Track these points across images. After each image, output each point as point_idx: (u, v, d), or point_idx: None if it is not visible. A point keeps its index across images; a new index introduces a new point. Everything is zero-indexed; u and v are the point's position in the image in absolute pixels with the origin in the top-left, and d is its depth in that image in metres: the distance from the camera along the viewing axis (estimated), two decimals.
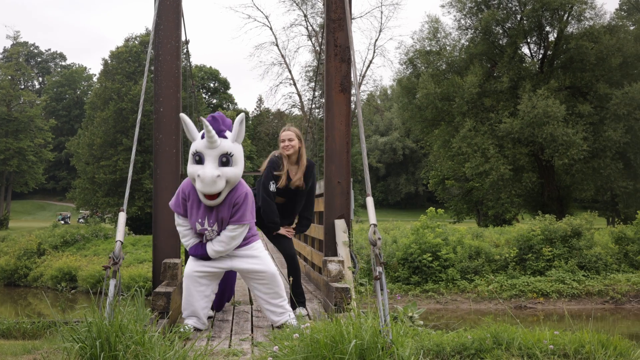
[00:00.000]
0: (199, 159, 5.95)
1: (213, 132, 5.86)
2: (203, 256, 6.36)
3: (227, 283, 7.41)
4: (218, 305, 7.58)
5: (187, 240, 6.42)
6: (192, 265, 6.45)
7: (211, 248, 6.31)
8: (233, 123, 6.18)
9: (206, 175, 5.84)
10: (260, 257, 6.52)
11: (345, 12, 8.05)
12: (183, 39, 8.72)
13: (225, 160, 5.96)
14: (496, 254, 20.74)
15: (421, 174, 66.90)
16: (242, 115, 6.08)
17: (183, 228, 6.42)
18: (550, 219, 21.51)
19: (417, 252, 19.74)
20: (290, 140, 7.28)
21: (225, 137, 6.00)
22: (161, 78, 7.91)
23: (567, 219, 21.66)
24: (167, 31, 7.95)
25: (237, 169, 6.05)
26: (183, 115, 6.01)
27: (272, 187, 7.21)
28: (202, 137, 5.95)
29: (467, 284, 19.77)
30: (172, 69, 7.93)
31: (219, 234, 6.29)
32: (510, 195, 32.82)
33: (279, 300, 6.56)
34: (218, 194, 6.03)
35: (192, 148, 6.00)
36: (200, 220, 6.24)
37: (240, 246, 6.42)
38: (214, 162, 5.91)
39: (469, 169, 32.66)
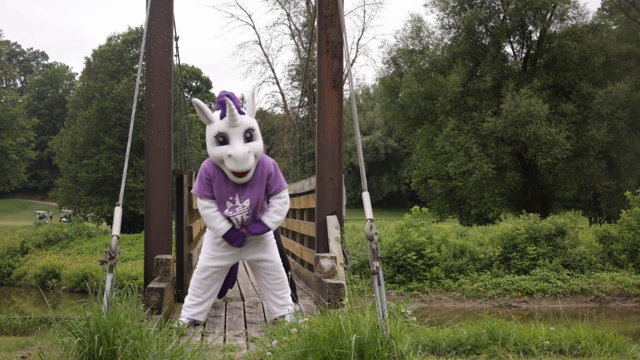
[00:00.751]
0: (223, 140, 5.97)
1: (235, 110, 5.92)
2: (255, 234, 6.34)
3: (230, 272, 7.35)
4: (221, 291, 7.57)
5: (219, 222, 6.25)
6: (207, 260, 6.45)
7: (270, 220, 6.33)
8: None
9: (238, 153, 5.87)
10: (269, 246, 6.58)
11: (337, 7, 8.05)
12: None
13: (249, 135, 6.03)
14: (480, 253, 20.81)
15: (403, 173, 66.99)
16: (252, 88, 6.22)
17: (211, 210, 6.27)
18: (534, 218, 21.60)
19: (402, 250, 19.76)
20: None
21: (243, 113, 6.07)
22: (153, 74, 7.87)
23: (551, 218, 21.76)
24: (159, 27, 7.90)
25: (260, 142, 6.14)
26: (197, 100, 5.98)
27: None
28: (221, 116, 6.00)
29: (451, 283, 19.83)
30: (164, 65, 7.89)
31: (248, 211, 6.25)
32: (494, 194, 32.90)
33: (282, 292, 6.58)
34: (248, 171, 6.06)
35: (213, 130, 6.00)
36: (231, 198, 6.20)
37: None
38: (240, 139, 5.96)
39: (452, 168, 32.74)
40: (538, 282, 19.67)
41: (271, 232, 6.60)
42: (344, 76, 8.39)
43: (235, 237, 6.29)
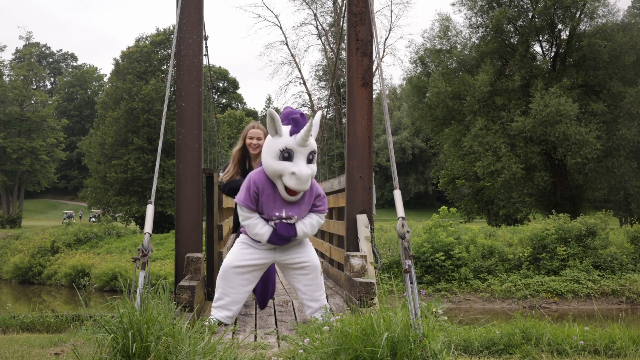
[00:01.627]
0: (288, 156, 5.94)
1: (310, 132, 5.94)
2: (289, 237, 6.30)
3: (268, 280, 7.32)
4: (262, 303, 7.55)
5: (261, 228, 6.23)
6: (236, 258, 6.40)
7: (302, 229, 6.29)
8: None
9: (302, 173, 5.86)
10: (308, 247, 6.55)
11: (367, 5, 8.03)
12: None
13: (311, 157, 6.06)
14: (509, 253, 20.64)
15: (431, 173, 66.72)
16: (320, 112, 6.22)
17: (253, 219, 6.25)
18: (564, 218, 21.38)
19: (430, 251, 19.65)
20: (258, 139, 7.33)
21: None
22: (183, 73, 7.91)
23: (581, 218, 21.53)
24: (190, 26, 7.94)
25: (315, 166, 6.18)
26: (272, 111, 5.95)
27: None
28: (291, 133, 5.97)
29: (480, 284, 19.68)
30: (194, 63, 7.93)
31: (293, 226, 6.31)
32: (522, 194, 32.65)
33: (318, 294, 6.50)
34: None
35: (280, 144, 5.95)
36: (277, 214, 6.20)
37: None
38: (304, 160, 5.97)
39: (480, 168, 32.52)
40: (568, 283, 19.47)
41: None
42: (374, 74, 8.37)
43: (278, 238, 6.27)
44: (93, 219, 52.47)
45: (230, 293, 6.37)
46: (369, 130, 8.20)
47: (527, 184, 32.14)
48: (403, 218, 5.21)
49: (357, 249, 7.89)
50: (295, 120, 5.99)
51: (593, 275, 19.71)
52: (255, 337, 5.98)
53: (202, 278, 7.23)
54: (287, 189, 5.99)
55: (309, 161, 6.02)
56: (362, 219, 8.02)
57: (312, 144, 6.03)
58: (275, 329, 6.38)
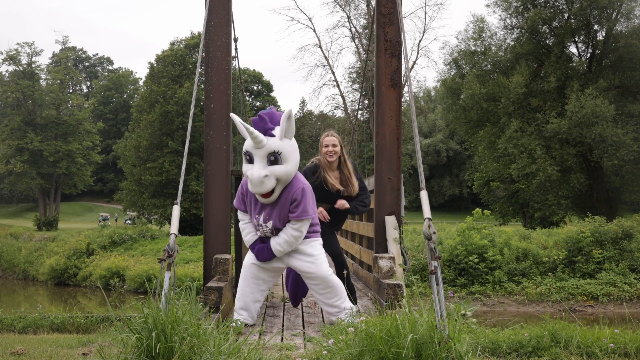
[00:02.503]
0: (250, 159, 5.93)
1: (256, 132, 5.79)
2: (267, 261, 6.33)
3: (299, 279, 7.26)
4: (294, 301, 7.59)
5: (246, 234, 6.39)
6: (250, 257, 6.46)
7: (275, 248, 6.25)
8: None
9: (253, 176, 5.83)
10: (314, 257, 6.40)
11: (395, 6, 7.98)
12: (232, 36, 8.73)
13: (273, 159, 5.88)
14: (544, 256, 20.45)
15: (465, 175, 66.25)
16: (289, 110, 5.98)
17: (242, 222, 6.44)
18: (600, 221, 21.13)
19: (463, 253, 19.55)
20: (334, 146, 7.22)
21: (272, 136, 5.90)
22: (212, 75, 7.94)
23: (617, 221, 21.27)
24: (218, 28, 7.96)
25: (287, 167, 5.96)
26: (233, 115, 5.98)
27: None
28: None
29: (514, 286, 19.52)
30: (223, 65, 7.94)
31: (272, 232, 6.25)
32: (558, 197, 32.31)
33: (334, 300, 6.45)
34: (271, 192, 5.99)
35: (244, 147, 5.99)
36: (256, 217, 6.24)
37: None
38: (262, 162, 5.86)
39: (515, 170, 32.22)
40: (604, 286, 19.25)
41: (318, 241, 6.53)
42: (402, 75, 8.32)
43: (260, 251, 6.29)
44: (128, 222, 52.93)
45: (247, 293, 6.45)
46: (397, 132, 8.14)
47: (563, 186, 31.79)
48: (429, 219, 5.18)
49: (386, 251, 7.84)
50: (254, 122, 5.91)
51: (629, 279, 19.45)
52: (282, 338, 5.97)
53: (230, 279, 7.24)
54: None
55: (272, 162, 5.89)
56: (390, 221, 7.97)
57: (273, 145, 5.86)
58: (302, 330, 6.37)
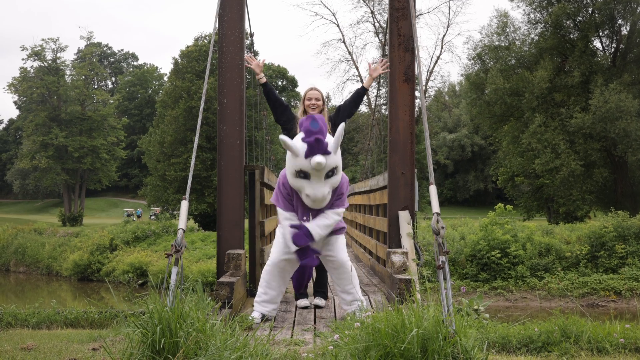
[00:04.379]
0: (304, 176, 5.88)
1: (323, 163, 5.71)
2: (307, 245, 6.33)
3: (305, 268, 7.28)
4: (298, 286, 7.59)
5: (290, 238, 6.35)
6: (280, 253, 6.46)
7: (317, 232, 6.24)
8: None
9: (317, 196, 5.88)
10: (336, 242, 6.53)
11: (409, 0, 7.94)
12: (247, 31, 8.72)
13: (331, 174, 5.92)
14: (567, 251, 20.29)
15: (490, 170, 65.81)
16: (343, 125, 5.90)
17: (289, 223, 6.32)
18: (623, 216, 20.93)
19: (486, 248, 19.44)
20: (317, 99, 7.31)
21: (328, 153, 5.79)
22: (225, 70, 7.95)
23: None
24: (231, 22, 7.96)
25: (340, 174, 6.06)
26: (283, 138, 5.78)
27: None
28: (306, 155, 5.76)
29: (537, 282, 19.39)
30: (236, 60, 7.95)
31: None
32: (582, 191, 32.08)
33: (349, 287, 6.54)
34: None
35: (296, 165, 5.85)
36: (305, 218, 6.27)
37: None
38: (321, 179, 5.87)
39: (539, 165, 32.05)
40: (627, 281, 19.08)
41: (341, 233, 6.60)
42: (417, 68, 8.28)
43: (298, 237, 6.24)
44: (153, 217, 53.22)
45: (275, 287, 6.50)
46: (411, 127, 8.11)
47: (587, 181, 31.58)
48: (438, 214, 5.15)
49: (400, 246, 7.82)
50: (310, 146, 5.74)
51: None
52: (292, 334, 5.97)
53: (243, 274, 7.24)
54: None
55: (329, 177, 5.90)
56: (404, 216, 7.94)
57: (331, 163, 5.82)
58: (313, 326, 6.37)
